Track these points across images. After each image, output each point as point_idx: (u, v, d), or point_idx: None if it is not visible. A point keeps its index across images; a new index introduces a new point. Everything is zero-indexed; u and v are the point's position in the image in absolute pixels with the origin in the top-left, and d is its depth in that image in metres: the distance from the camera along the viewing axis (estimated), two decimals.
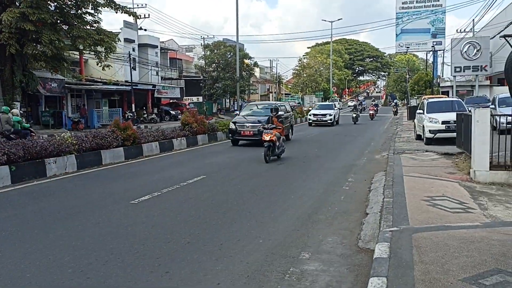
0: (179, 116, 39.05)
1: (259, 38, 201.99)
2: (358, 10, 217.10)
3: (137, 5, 46.57)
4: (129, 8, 25.53)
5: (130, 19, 40.53)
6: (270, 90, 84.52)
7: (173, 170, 11.86)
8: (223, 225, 6.47)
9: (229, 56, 47.49)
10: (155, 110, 38.20)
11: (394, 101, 46.49)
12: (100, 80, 33.54)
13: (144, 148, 14.40)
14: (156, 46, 43.68)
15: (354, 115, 32.50)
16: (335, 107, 33.16)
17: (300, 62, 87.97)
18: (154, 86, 39.52)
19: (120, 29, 39.11)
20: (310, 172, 11.39)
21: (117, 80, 35.57)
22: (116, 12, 25.66)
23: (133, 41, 39.69)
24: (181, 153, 15.77)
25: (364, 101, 51.25)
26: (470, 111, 18.04)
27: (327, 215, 7.07)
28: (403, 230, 5.33)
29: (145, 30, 46.36)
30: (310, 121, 31.09)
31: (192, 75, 54.47)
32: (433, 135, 15.93)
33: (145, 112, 36.48)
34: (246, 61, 51.32)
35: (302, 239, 5.81)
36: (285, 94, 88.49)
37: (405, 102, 74.51)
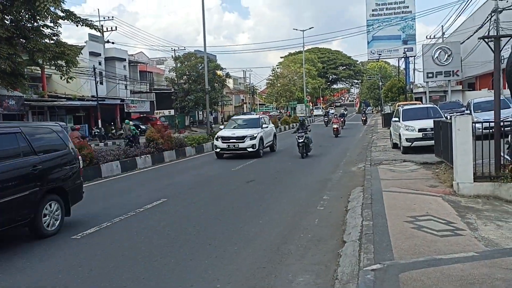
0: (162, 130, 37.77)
1: (232, 49, 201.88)
2: (330, 20, 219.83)
3: (104, 18, 45.41)
4: (91, 21, 24.19)
5: (96, 32, 39.32)
6: (245, 101, 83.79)
7: (132, 193, 10.77)
8: (177, 264, 5.46)
9: (200, 67, 46.43)
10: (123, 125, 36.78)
11: (363, 109, 42.86)
12: (64, 96, 32.05)
13: (102, 169, 13.23)
14: (124, 59, 42.39)
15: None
16: (264, 123, 19.22)
17: (273, 72, 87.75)
18: (122, 100, 38.17)
19: (85, 42, 37.73)
20: (282, 189, 10.48)
21: (83, 96, 34.12)
22: (77, 26, 24.31)
23: (99, 54, 38.31)
24: (145, 172, 14.65)
25: (331, 112, 44.94)
26: (446, 117, 17.63)
27: (299, 244, 6.14)
28: (387, 268, 4.43)
29: (113, 43, 45.03)
30: (218, 149, 17.71)
31: (164, 88, 53.26)
32: (410, 143, 15.28)
33: (113, 127, 35.08)
34: (219, 72, 50.47)
35: (268, 280, 4.86)
36: (260, 104, 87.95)
37: (379, 109, 74.97)
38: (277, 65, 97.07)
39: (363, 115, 41.44)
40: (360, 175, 12.09)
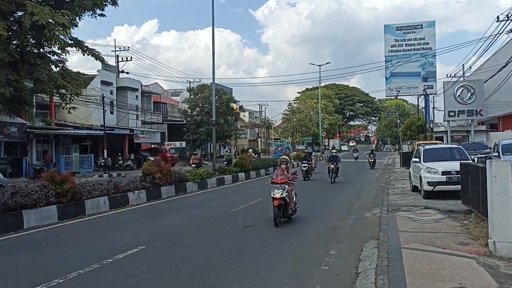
0: (160, 163, 36.68)
1: (248, 82, 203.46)
2: (348, 56, 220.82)
3: (119, 48, 45.40)
4: (98, 52, 23.53)
5: (110, 60, 39.05)
6: (259, 135, 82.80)
7: (109, 236, 9.36)
8: None
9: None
10: (132, 156, 35.82)
11: (369, 149, 37.06)
12: (71, 124, 31.30)
13: (87, 205, 11.89)
14: (137, 89, 41.90)
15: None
16: None
17: (289, 106, 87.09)
18: (131, 130, 37.33)
19: (97, 71, 37.37)
20: (283, 239, 8.96)
21: (91, 124, 33.38)
22: (84, 55, 23.76)
23: (111, 83, 37.85)
24: (136, 209, 13.27)
25: (311, 154, 28.39)
26: (473, 160, 16.03)
27: None
28: None
29: (127, 73, 44.91)
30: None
31: (177, 119, 52.62)
32: (433, 187, 13.67)
33: (120, 158, 34.06)
34: (234, 105, 49.69)
35: None
36: (275, 139, 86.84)
37: (397, 147, 73.05)
38: (293, 100, 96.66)
39: (371, 156, 33.28)
40: (375, 223, 10.51)
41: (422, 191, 14.18)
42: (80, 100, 32.04)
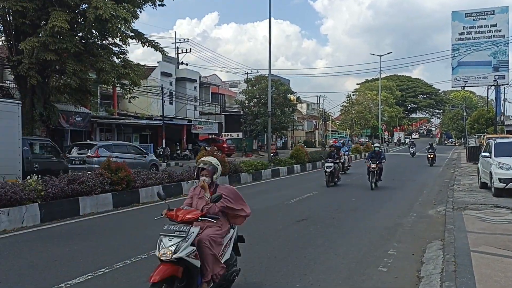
0: (215, 153, 37.01)
1: (305, 73, 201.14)
2: (411, 47, 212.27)
3: (179, 40, 46.21)
4: (157, 43, 23.91)
5: (171, 52, 39.80)
6: (317, 127, 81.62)
7: (150, 227, 9.29)
8: None
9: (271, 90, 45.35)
10: (190, 146, 36.39)
11: (429, 143, 29.91)
12: (132, 114, 32.25)
13: (141, 194, 11.99)
14: (195, 80, 42.44)
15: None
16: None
17: (348, 98, 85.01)
18: (189, 121, 37.90)
19: (158, 62, 38.21)
20: (339, 235, 8.47)
21: (151, 115, 34.22)
22: (143, 46, 24.27)
23: (170, 74, 38.58)
24: None
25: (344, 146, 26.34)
26: None
27: None
28: None
29: (187, 64, 45.61)
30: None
31: (234, 110, 52.89)
32: (505, 185, 12.56)
33: (178, 148, 34.69)
34: (291, 97, 49.10)
35: None
36: (332, 131, 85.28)
37: (462, 141, 69.19)
38: (352, 92, 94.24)
39: (430, 151, 27.87)
40: (439, 222, 9.74)
41: (493, 188, 13.09)
42: (141, 91, 32.92)
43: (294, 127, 60.94)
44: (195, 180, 14.53)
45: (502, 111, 42.88)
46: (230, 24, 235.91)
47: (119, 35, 22.48)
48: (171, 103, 38.42)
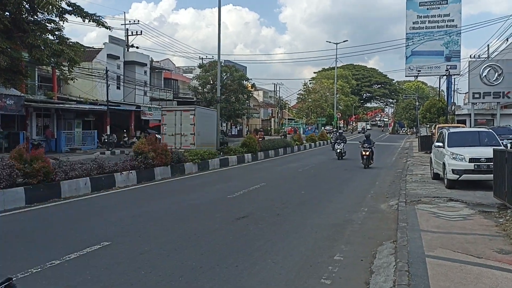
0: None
1: (266, 61, 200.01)
2: (368, 38, 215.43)
3: (129, 21, 43.81)
4: (99, 17, 22.05)
5: (118, 34, 37.38)
6: (273, 115, 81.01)
7: (74, 226, 7.97)
8: None
9: (225, 76, 44.07)
10: (138, 133, 34.54)
11: (365, 134, 21.88)
12: (74, 99, 30.04)
13: (63, 188, 10.51)
14: (145, 64, 40.36)
15: None
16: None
17: (305, 86, 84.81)
18: (138, 107, 35.99)
19: (104, 44, 35.93)
20: (281, 236, 7.46)
21: (96, 100, 32.09)
22: (84, 21, 22.33)
23: (117, 57, 36.38)
24: (121, 192, 11.88)
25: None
26: (506, 146, 14.26)
27: None
28: None
29: (137, 47, 43.35)
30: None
31: (188, 97, 51.15)
32: (458, 176, 12.01)
33: (125, 135, 32.80)
34: (246, 83, 47.98)
35: None
36: (289, 119, 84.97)
37: (414, 130, 70.63)
38: (309, 80, 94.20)
39: (366, 147, 19.55)
40: (391, 218, 8.95)
41: (446, 180, 12.54)
42: (84, 73, 30.79)
43: (250, 114, 59.89)
44: (130, 171, 13.23)
45: (453, 101, 43.66)
46: (188, 9, 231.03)
47: (54, 10, 20.47)
48: (118, 88, 36.31)
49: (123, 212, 9.26)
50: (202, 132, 21.31)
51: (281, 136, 44.69)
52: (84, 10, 22.10)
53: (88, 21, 22.11)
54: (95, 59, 33.99)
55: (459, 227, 7.67)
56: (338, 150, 23.52)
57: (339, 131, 25.26)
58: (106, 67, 30.34)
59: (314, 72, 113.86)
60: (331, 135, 32.29)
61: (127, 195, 11.47)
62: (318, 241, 7.16)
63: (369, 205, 10.48)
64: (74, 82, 22.45)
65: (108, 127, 29.36)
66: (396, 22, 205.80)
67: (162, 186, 13.24)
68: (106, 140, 29.47)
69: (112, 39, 37.46)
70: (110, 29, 22.51)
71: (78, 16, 22.08)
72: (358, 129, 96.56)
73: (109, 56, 35.12)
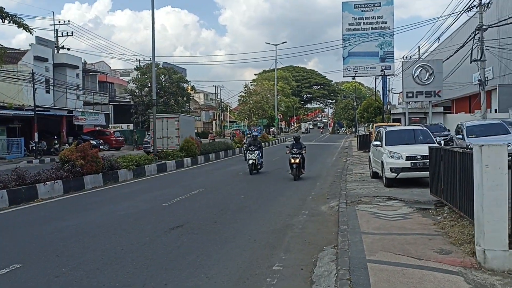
0: (101, 146, 33.78)
1: (206, 63, 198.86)
2: (306, 41, 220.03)
3: (59, 22, 41.54)
4: (20, 18, 20.36)
5: (49, 35, 35.21)
6: (214, 117, 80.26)
7: None
8: None
9: (163, 79, 42.83)
10: (71, 140, 32.60)
11: (294, 136, 17.93)
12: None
13: None
14: (77, 67, 38.31)
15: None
16: None
17: (246, 88, 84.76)
18: (70, 111, 34.03)
19: (30, 45, 33.66)
20: (217, 246, 6.94)
21: (23, 104, 29.92)
22: (3, 22, 20.54)
23: (46, 59, 34.22)
24: (43, 205, 10.84)
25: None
26: (439, 143, 14.60)
27: None
28: None
29: (68, 49, 41.13)
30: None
31: (125, 100, 49.33)
32: (396, 174, 12.07)
33: (56, 142, 30.83)
34: (188, 86, 46.95)
35: None
36: (230, 121, 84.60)
37: (352, 129, 72.64)
38: (250, 82, 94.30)
39: (295, 152, 15.49)
40: (332, 220, 8.71)
41: (384, 179, 12.59)
42: (8, 77, 28.65)
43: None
44: (55, 181, 12.17)
45: (389, 101, 45.17)
46: (125, 11, 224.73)
47: None
48: (47, 91, 34.15)
49: (42, 227, 8.34)
50: (184, 134, 24.50)
51: (230, 137, 44.33)
52: (4, 10, 20.38)
53: (8, 22, 20.39)
54: (21, 61, 31.75)
55: (398, 227, 7.52)
56: (251, 161, 16.90)
57: (253, 133, 20.01)
58: (32, 70, 28.34)
59: (255, 74, 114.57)
60: (245, 140, 27.47)
61: (51, 208, 10.45)
62: (256, 250, 6.72)
63: (310, 208, 10.22)
64: None
65: (35, 134, 27.40)
66: (332, 25, 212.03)
67: (91, 196, 12.28)
68: (34, 148, 27.51)
69: (40, 40, 35.24)
70: (31, 33, 20.81)
71: None
72: (302, 130, 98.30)
73: (36, 58, 32.94)
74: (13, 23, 20.71)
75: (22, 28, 20.86)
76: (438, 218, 8.21)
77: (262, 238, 7.40)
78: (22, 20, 20.93)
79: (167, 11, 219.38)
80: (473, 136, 16.25)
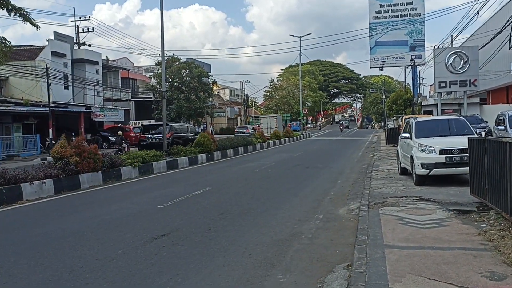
0: (82, 144, 32.90)
1: (233, 60, 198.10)
2: (332, 36, 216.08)
3: (80, 17, 41.04)
4: (27, 12, 19.57)
5: (68, 31, 34.73)
6: (240, 113, 79.06)
7: None
8: None
9: (184, 73, 41.80)
10: (88, 136, 31.94)
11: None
12: (14, 101, 27.28)
13: None
14: (96, 62, 37.65)
15: None
16: None
17: (272, 83, 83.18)
18: (88, 108, 33.37)
19: (47, 41, 33.14)
20: (200, 263, 5.55)
21: (40, 101, 29.37)
22: (10, 14, 19.75)
23: (64, 55, 33.63)
24: (26, 207, 9.71)
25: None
26: (480, 134, 12.81)
27: None
28: None
29: (89, 45, 40.61)
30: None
31: (148, 96, 48.63)
32: (428, 171, 10.40)
33: (73, 139, 30.08)
34: (208, 80, 45.82)
35: None
36: (255, 117, 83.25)
37: (382, 124, 70.03)
38: (277, 78, 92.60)
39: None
40: (350, 228, 7.20)
41: (414, 176, 10.94)
42: (25, 72, 28.15)
43: (215, 113, 57.74)
44: (43, 181, 11.06)
45: (420, 92, 42.79)
46: (154, 10, 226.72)
47: None
48: (66, 88, 33.59)
49: (15, 235, 7.15)
50: (280, 126, 37.94)
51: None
52: (11, 3, 19.60)
53: (14, 15, 19.60)
54: (38, 57, 31.23)
55: (433, 239, 5.95)
56: None
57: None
58: (46, 65, 27.63)
59: (281, 69, 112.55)
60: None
61: (30, 211, 9.30)
62: (249, 269, 5.29)
63: (325, 211, 8.71)
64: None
65: (50, 130, 26.71)
66: (360, 19, 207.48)
67: (84, 197, 11.10)
68: (49, 145, 26.83)
69: (58, 36, 34.73)
70: (37, 27, 19.95)
71: (3, 9, 19.55)
72: (335, 120, 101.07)
73: (54, 53, 32.38)
74: (19, 16, 19.91)
75: (26, 21, 20.04)
76: (483, 225, 6.59)
77: (260, 252, 5.97)
78: (27, 13, 20.11)
79: (195, 9, 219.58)
80: None
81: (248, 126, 50.95)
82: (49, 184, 11.04)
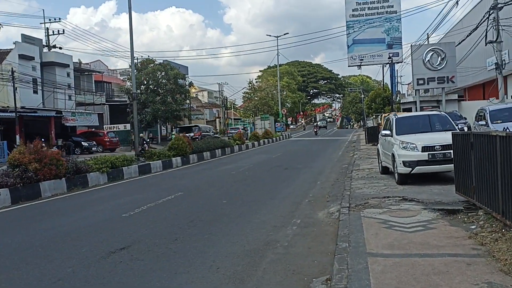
0: (93, 148, 31.91)
1: (211, 62, 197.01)
2: (311, 36, 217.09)
3: (49, 19, 39.74)
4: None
5: (36, 34, 33.43)
6: (218, 115, 78.19)
7: None
8: None
9: (159, 76, 40.79)
10: (60, 142, 30.73)
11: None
12: None
13: None
14: (67, 65, 36.38)
15: None
16: None
17: (250, 85, 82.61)
18: (59, 112, 32.11)
19: (14, 43, 31.83)
20: (157, 284, 4.86)
21: (7, 106, 28.07)
22: None
23: (32, 58, 32.33)
24: None
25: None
26: (462, 129, 12.40)
27: None
28: None
29: (60, 48, 39.29)
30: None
31: (122, 99, 47.40)
32: (410, 169, 9.90)
33: (43, 145, 28.87)
34: (184, 82, 44.86)
35: None
36: (235, 119, 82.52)
37: (361, 123, 70.12)
38: (255, 79, 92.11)
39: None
40: (329, 233, 6.60)
41: (396, 174, 10.44)
42: None
43: (193, 115, 56.75)
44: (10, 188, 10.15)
45: (398, 90, 42.71)
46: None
47: None
48: (35, 92, 32.30)
49: None
50: (272, 127, 36.85)
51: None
52: None
53: None
54: (5, 60, 29.92)
55: (420, 244, 5.38)
56: None
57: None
58: (12, 68, 26.40)
59: (260, 70, 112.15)
60: None
61: None
62: (221, 280, 4.62)
63: (303, 215, 8.10)
64: None
65: (18, 136, 25.48)
66: (338, 20, 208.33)
67: (43, 206, 10.24)
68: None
69: (26, 38, 33.41)
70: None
71: None
72: (317, 120, 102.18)
73: (22, 56, 31.07)
74: None
75: None
76: (473, 227, 6.07)
77: (229, 265, 5.30)
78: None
79: (172, 12, 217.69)
80: (498, 121, 13.99)
81: (238, 127, 53.86)
82: (5, 193, 10.15)
